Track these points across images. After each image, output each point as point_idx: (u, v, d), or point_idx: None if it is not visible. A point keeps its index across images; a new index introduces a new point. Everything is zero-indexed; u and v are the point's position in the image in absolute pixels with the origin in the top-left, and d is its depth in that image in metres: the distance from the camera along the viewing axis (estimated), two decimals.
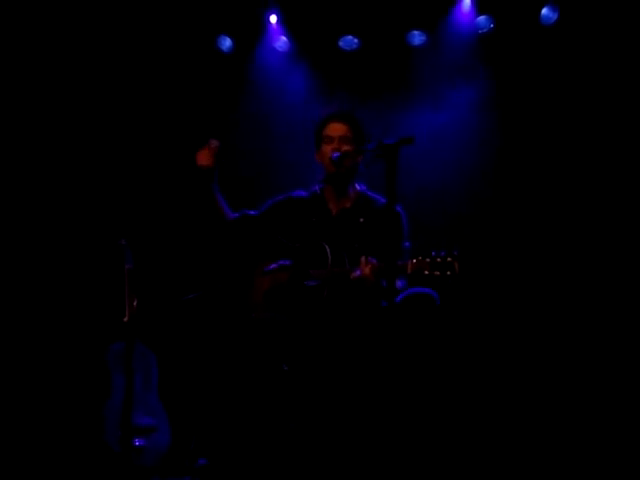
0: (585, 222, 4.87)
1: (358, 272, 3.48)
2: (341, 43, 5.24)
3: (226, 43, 5.28)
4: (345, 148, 3.74)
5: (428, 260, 3.31)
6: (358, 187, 3.92)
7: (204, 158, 3.82)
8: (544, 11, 4.94)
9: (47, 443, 4.45)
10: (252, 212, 3.98)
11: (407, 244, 3.75)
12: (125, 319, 3.60)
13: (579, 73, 4.91)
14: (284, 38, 5.28)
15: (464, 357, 4.74)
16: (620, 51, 4.82)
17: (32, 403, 4.66)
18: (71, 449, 4.37)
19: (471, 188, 5.07)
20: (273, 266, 3.68)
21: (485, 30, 5.05)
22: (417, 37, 5.15)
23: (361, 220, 3.80)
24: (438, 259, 3.29)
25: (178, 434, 4.36)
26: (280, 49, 5.31)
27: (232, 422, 4.08)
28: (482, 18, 5.04)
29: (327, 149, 3.78)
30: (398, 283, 3.52)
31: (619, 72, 4.83)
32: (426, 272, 3.30)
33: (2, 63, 4.93)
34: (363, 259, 3.48)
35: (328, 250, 3.63)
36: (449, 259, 3.27)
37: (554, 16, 4.93)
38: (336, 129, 3.80)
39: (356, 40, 5.23)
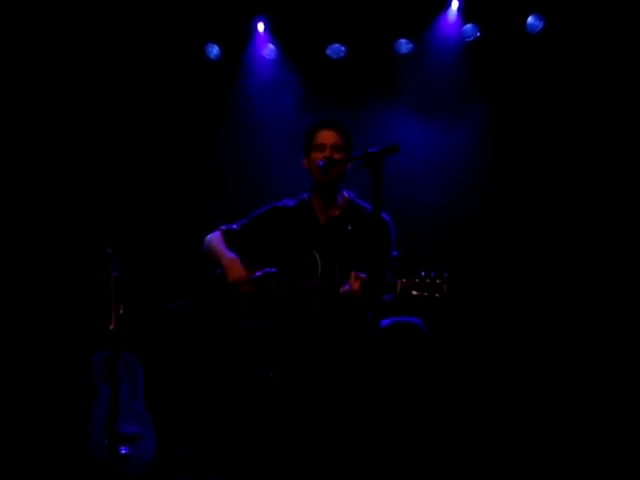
0: (575, 229, 4.91)
1: (347, 287, 3.48)
2: (328, 51, 5.25)
3: (214, 51, 5.29)
4: (337, 156, 3.74)
5: (417, 280, 3.30)
6: (346, 194, 3.92)
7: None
8: (530, 19, 4.97)
9: (32, 451, 4.42)
10: (234, 226, 3.96)
11: (395, 253, 3.75)
12: (111, 327, 3.57)
13: (565, 81, 4.94)
14: (272, 46, 5.29)
15: (449, 374, 4.75)
16: (606, 59, 4.85)
17: (16, 411, 4.63)
18: (56, 458, 4.34)
19: (460, 196, 5.08)
20: (258, 274, 3.67)
21: (471, 38, 5.08)
22: (404, 45, 5.16)
23: (349, 228, 3.80)
24: (427, 280, 3.28)
25: (165, 442, 4.34)
26: (268, 57, 5.31)
27: (218, 430, 4.07)
28: (468, 26, 5.06)
29: (318, 156, 3.77)
30: (386, 296, 3.51)
31: (605, 79, 4.87)
32: (414, 292, 3.29)
33: None
34: (353, 274, 3.46)
35: (318, 259, 3.62)
36: (438, 281, 3.27)
37: (540, 24, 4.96)
38: (327, 137, 3.81)
39: (343, 48, 5.24)
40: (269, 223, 3.92)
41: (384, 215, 3.73)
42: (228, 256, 3.80)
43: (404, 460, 3.60)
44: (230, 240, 3.91)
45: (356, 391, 3.54)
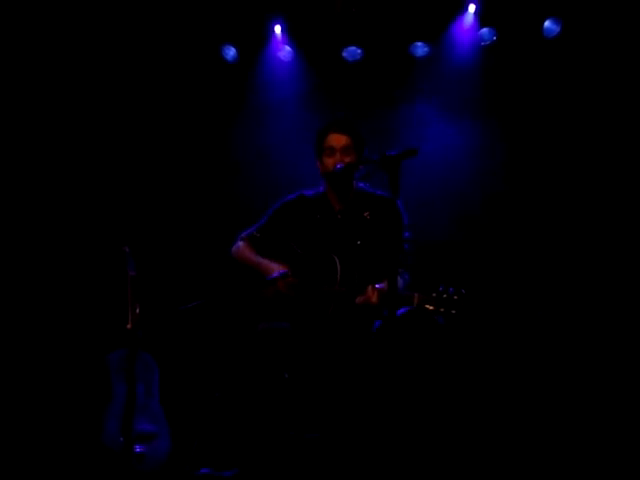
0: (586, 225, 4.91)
1: (364, 297, 3.51)
2: (345, 53, 5.27)
3: (230, 52, 5.31)
4: (347, 159, 3.74)
5: (434, 295, 3.30)
6: (359, 185, 3.93)
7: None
8: (546, 24, 4.97)
9: (48, 449, 4.45)
10: (253, 232, 3.98)
11: (407, 234, 3.77)
12: (128, 326, 3.60)
13: (581, 85, 4.94)
14: (288, 48, 5.31)
15: (464, 374, 4.75)
16: (622, 63, 4.85)
17: (34, 408, 4.66)
18: (72, 455, 4.37)
19: (475, 196, 5.09)
20: (275, 274, 3.69)
21: (488, 42, 5.08)
22: (420, 48, 5.18)
23: (365, 214, 3.81)
24: (444, 295, 3.28)
25: (179, 440, 4.36)
26: (284, 59, 5.33)
27: (232, 428, 4.09)
28: (485, 30, 5.08)
29: (329, 161, 3.79)
30: (400, 281, 3.53)
31: (621, 84, 4.86)
32: (430, 307, 3.30)
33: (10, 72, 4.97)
34: (370, 287, 3.48)
35: (338, 264, 3.64)
36: (455, 297, 3.26)
37: (556, 29, 4.97)
38: (338, 140, 3.80)
39: (359, 51, 5.26)
40: (286, 217, 3.93)
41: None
42: (269, 265, 3.80)
43: (419, 459, 3.61)
44: (256, 246, 3.93)
45: (369, 393, 3.55)
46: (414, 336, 3.46)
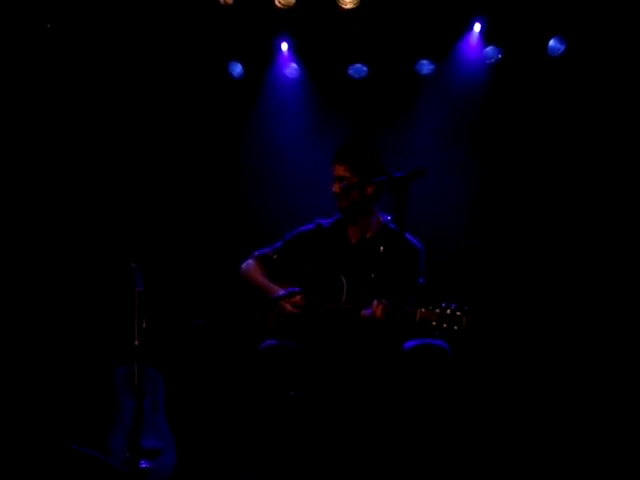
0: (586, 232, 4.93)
1: (369, 311, 3.51)
2: (350, 71, 5.29)
3: (237, 69, 5.35)
4: (338, 190, 3.75)
5: (437, 311, 3.30)
6: (382, 219, 3.91)
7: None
8: (551, 42, 4.99)
9: (54, 463, 4.45)
10: (268, 251, 3.98)
11: (421, 280, 3.76)
12: (136, 342, 3.61)
13: (586, 104, 4.96)
14: (294, 65, 5.34)
15: (474, 399, 4.75)
16: (627, 81, 4.86)
17: (40, 423, 4.68)
18: (78, 470, 4.37)
19: (479, 218, 5.10)
20: (282, 292, 3.71)
21: (493, 60, 5.11)
22: (425, 66, 5.21)
23: (381, 249, 3.81)
24: (448, 311, 3.29)
25: (184, 457, 4.37)
26: (290, 76, 5.37)
27: (238, 445, 4.10)
28: (490, 48, 5.10)
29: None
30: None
31: (626, 102, 4.88)
32: (433, 323, 3.30)
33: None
34: (375, 302, 3.49)
35: (344, 282, 3.65)
36: (458, 313, 3.27)
37: (561, 47, 4.99)
38: (335, 170, 3.81)
39: (365, 68, 5.28)
40: (302, 246, 3.93)
41: (416, 242, 3.77)
42: (277, 290, 3.80)
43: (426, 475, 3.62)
44: (266, 266, 3.94)
45: (376, 412, 3.56)
46: (423, 371, 3.45)
